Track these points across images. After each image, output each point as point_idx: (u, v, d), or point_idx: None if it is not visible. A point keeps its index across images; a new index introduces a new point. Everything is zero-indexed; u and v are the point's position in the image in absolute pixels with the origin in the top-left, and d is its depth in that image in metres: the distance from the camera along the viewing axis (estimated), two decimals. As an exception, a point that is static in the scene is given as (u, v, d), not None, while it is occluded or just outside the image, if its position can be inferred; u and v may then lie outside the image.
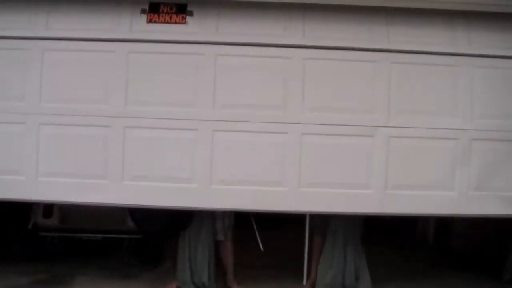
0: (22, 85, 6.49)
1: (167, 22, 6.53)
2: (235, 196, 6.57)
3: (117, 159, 6.52)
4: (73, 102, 6.49)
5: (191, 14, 6.55)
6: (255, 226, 7.67)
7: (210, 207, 6.76)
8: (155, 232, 7.47)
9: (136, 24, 6.52)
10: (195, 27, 6.54)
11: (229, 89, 6.54)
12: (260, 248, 7.55)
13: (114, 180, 6.52)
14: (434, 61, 6.62)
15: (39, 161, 6.51)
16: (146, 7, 6.54)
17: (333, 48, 6.55)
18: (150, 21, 6.52)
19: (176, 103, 6.52)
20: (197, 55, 6.52)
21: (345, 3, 6.58)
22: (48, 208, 8.19)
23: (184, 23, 6.52)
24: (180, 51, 6.52)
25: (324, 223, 7.37)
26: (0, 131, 6.52)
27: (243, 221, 7.72)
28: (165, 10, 6.53)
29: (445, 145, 6.65)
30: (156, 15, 6.52)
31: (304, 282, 7.43)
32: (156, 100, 6.51)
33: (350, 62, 6.59)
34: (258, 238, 7.60)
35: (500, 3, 6.60)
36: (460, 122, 6.64)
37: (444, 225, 9.68)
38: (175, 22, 6.53)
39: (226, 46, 6.53)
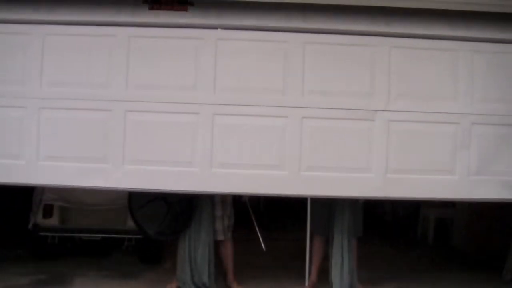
0: (22, 69, 6.48)
1: (169, 10, 6.55)
2: (235, 180, 6.54)
3: (118, 143, 6.49)
4: (74, 86, 6.49)
5: (192, 4, 6.58)
6: (256, 225, 7.64)
7: (210, 191, 6.75)
8: (155, 233, 7.39)
9: (138, 11, 6.53)
10: (196, 12, 6.53)
11: (229, 73, 6.55)
12: (262, 247, 7.50)
13: (115, 164, 6.49)
14: (434, 45, 6.64)
15: (39, 145, 6.47)
16: (148, -3, 6.59)
17: (333, 32, 6.57)
18: (151, 9, 6.55)
19: (177, 87, 6.52)
20: (198, 39, 6.54)
21: (344, 3, 6.59)
22: (48, 208, 8.19)
23: (186, 10, 6.55)
24: (181, 35, 6.55)
25: (325, 222, 7.36)
26: (0, 115, 6.50)
27: (243, 220, 7.70)
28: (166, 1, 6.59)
29: (445, 129, 6.63)
30: (157, 5, 6.54)
31: (306, 283, 7.37)
32: (157, 84, 6.51)
33: (350, 46, 6.61)
34: (260, 237, 7.55)
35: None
36: (461, 106, 6.62)
37: (444, 224, 9.67)
38: (177, 10, 6.57)
39: (226, 30, 6.55)
